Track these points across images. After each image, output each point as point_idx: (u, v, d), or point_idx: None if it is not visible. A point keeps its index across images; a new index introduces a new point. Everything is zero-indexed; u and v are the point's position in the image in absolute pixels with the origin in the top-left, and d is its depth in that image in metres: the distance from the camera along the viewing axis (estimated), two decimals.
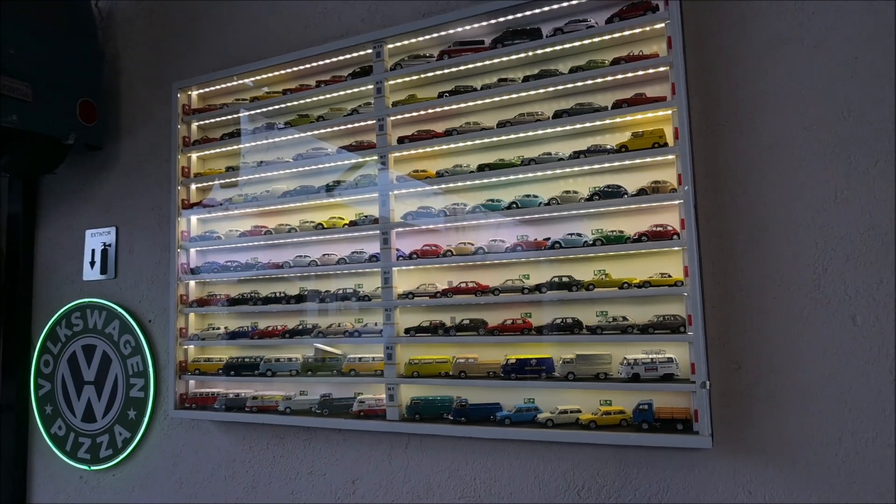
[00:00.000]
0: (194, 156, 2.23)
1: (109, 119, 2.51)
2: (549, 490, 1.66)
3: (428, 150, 1.82)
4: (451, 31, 1.81)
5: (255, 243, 2.08)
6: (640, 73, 1.58)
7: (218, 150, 2.18)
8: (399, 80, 1.86)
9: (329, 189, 1.93)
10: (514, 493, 1.70)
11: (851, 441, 1.38)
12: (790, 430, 1.43)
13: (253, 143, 2.10)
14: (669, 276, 1.51)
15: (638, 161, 1.56)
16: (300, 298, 1.97)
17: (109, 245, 2.46)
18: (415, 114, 1.84)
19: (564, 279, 1.61)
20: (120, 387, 2.35)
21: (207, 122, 2.20)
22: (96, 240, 2.50)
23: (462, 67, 1.78)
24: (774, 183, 1.48)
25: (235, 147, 2.13)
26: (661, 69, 1.55)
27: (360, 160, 1.91)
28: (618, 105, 1.59)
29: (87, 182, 2.56)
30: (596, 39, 1.62)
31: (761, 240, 1.48)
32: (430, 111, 1.82)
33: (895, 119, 1.39)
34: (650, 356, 1.52)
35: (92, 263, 2.49)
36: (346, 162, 1.94)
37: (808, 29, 1.48)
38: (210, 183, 2.17)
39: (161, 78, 2.44)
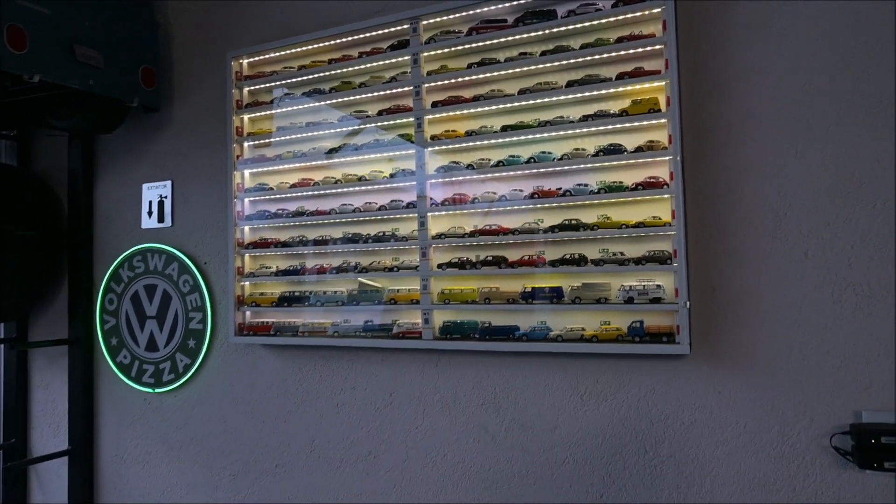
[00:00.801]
0: (246, 117, 2.53)
1: (163, 84, 2.79)
2: (556, 396, 2.03)
3: (457, 113, 2.13)
4: (478, 11, 2.10)
5: (305, 194, 2.39)
6: (640, 50, 1.88)
7: (268, 112, 2.48)
8: (433, 53, 2.16)
9: (367, 147, 2.25)
10: (528, 399, 2.07)
11: (799, 350, 1.75)
12: (752, 342, 1.79)
13: (302, 107, 2.40)
14: (660, 218, 1.85)
15: (636, 124, 1.89)
16: (346, 241, 2.30)
17: (165, 197, 2.78)
18: (446, 82, 2.15)
19: (573, 222, 1.95)
20: (180, 320, 2.70)
21: (258, 87, 2.49)
22: (153, 192, 2.81)
23: (488, 42, 2.08)
24: (747, 143, 1.81)
25: (285, 109, 2.43)
26: (657, 47, 1.86)
27: (398, 122, 2.22)
28: (620, 77, 1.91)
29: (143, 141, 2.85)
30: (603, 21, 1.93)
31: (735, 189, 1.82)
32: (459, 80, 2.13)
33: (841, 90, 1.72)
34: (642, 284, 1.87)
35: (150, 213, 2.81)
36: (385, 123, 2.25)
37: (779, 16, 1.79)
38: (263, 141, 2.48)
39: (210, 46, 2.71)
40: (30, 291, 2.94)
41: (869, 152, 1.69)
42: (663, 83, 1.85)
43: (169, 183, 2.77)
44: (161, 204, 2.78)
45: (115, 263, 2.86)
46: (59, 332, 2.98)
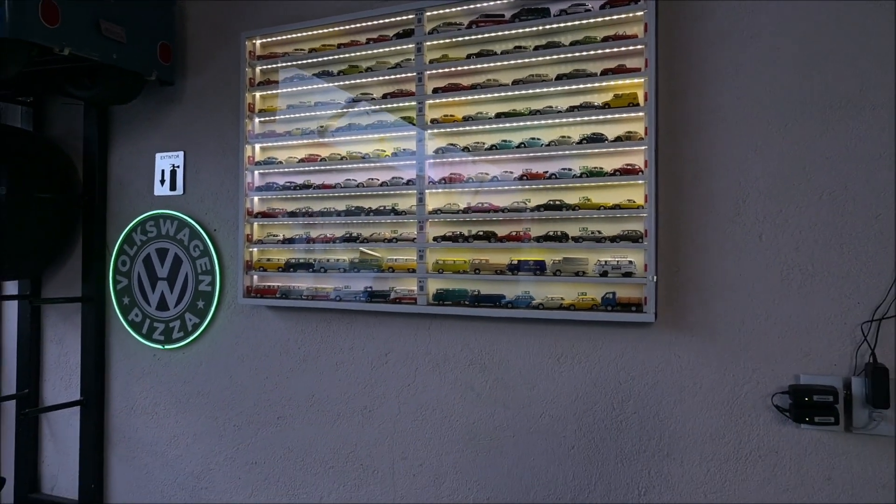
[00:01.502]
0: (258, 94, 2.71)
1: (178, 58, 2.95)
2: (536, 358, 2.27)
3: (456, 99, 2.33)
4: (478, 5, 2.29)
5: (312, 168, 2.59)
6: (623, 49, 2.09)
7: (279, 91, 2.66)
8: (435, 43, 2.35)
9: (371, 127, 2.45)
10: (510, 361, 2.30)
11: (751, 321, 1.99)
12: (710, 313, 2.03)
13: (311, 87, 2.58)
14: (634, 201, 2.08)
15: (617, 116, 2.10)
16: (349, 213, 2.50)
17: (178, 166, 2.95)
18: (447, 70, 2.35)
19: (557, 202, 2.17)
20: (190, 282, 2.89)
21: (270, 66, 2.67)
22: (166, 161, 2.99)
23: (486, 35, 2.28)
24: (713, 137, 2.04)
25: (295, 89, 2.62)
26: (639, 47, 2.06)
27: (400, 105, 2.42)
28: (604, 72, 2.12)
29: (157, 112, 3.02)
30: (591, 20, 2.13)
31: (701, 178, 2.05)
32: (459, 69, 2.33)
33: (796, 93, 1.94)
34: (616, 259, 2.10)
35: (162, 181, 2.99)
36: (388, 106, 2.45)
37: (744, 26, 2.01)
38: (272, 118, 2.66)
39: (223, 25, 2.87)
40: (45, 251, 3.11)
41: (818, 149, 1.92)
42: (642, 80, 2.06)
43: (181, 153, 2.95)
44: (173, 173, 2.96)
45: (128, 227, 3.04)
46: (72, 291, 3.16)
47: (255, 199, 2.70)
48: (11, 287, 3.39)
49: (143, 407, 3.02)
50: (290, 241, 2.62)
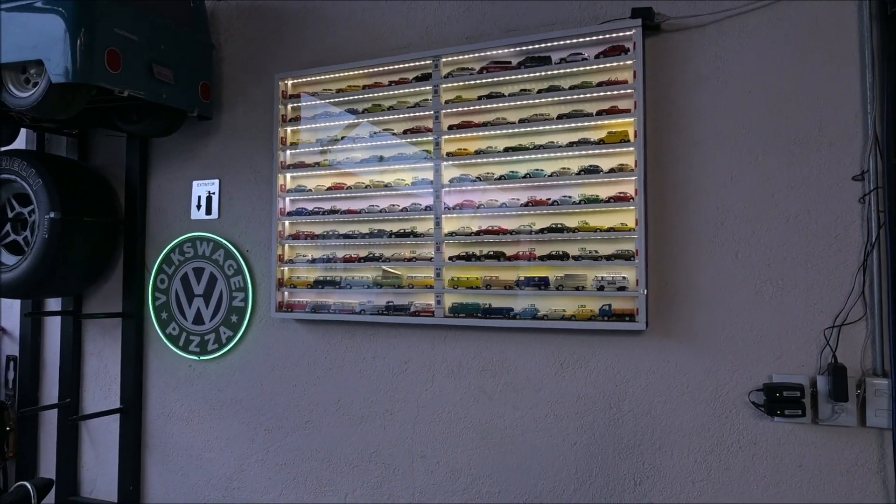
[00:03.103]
0: (289, 129, 3.02)
1: (215, 96, 3.27)
2: (541, 364, 2.54)
3: (469, 135, 2.64)
4: (488, 53, 2.61)
5: (339, 196, 2.89)
6: (615, 92, 2.41)
7: (309, 126, 2.97)
8: (450, 85, 2.67)
9: (393, 159, 2.76)
10: (518, 366, 2.58)
11: (730, 328, 2.27)
12: (694, 322, 2.32)
13: (338, 123, 2.90)
14: (626, 224, 2.37)
15: (610, 150, 2.41)
16: (372, 235, 2.79)
17: (213, 193, 3.25)
18: (460, 109, 2.66)
19: (558, 225, 2.47)
20: (224, 298, 3.17)
21: (301, 104, 2.99)
22: (202, 188, 3.29)
23: (495, 80, 2.60)
24: (694, 168, 2.34)
25: (325, 124, 2.93)
26: (629, 91, 2.38)
27: (419, 140, 2.73)
28: (600, 113, 2.43)
29: (195, 144, 3.32)
30: (587, 68, 2.45)
31: (684, 204, 2.35)
32: (471, 108, 2.64)
33: (766, 130, 2.25)
34: (611, 275, 2.39)
35: (198, 206, 3.28)
36: (408, 140, 2.76)
37: (721, 71, 2.32)
38: (304, 150, 2.97)
39: (256, 66, 3.19)
40: (89, 271, 3.40)
41: (785, 178, 2.23)
42: (632, 119, 2.37)
43: (217, 181, 3.25)
44: (209, 199, 3.26)
45: (167, 248, 3.33)
46: (112, 307, 3.44)
47: (287, 223, 2.99)
48: (53, 303, 3.66)
49: (178, 414, 3.28)
50: (318, 260, 2.91)
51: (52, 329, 3.64)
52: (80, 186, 3.31)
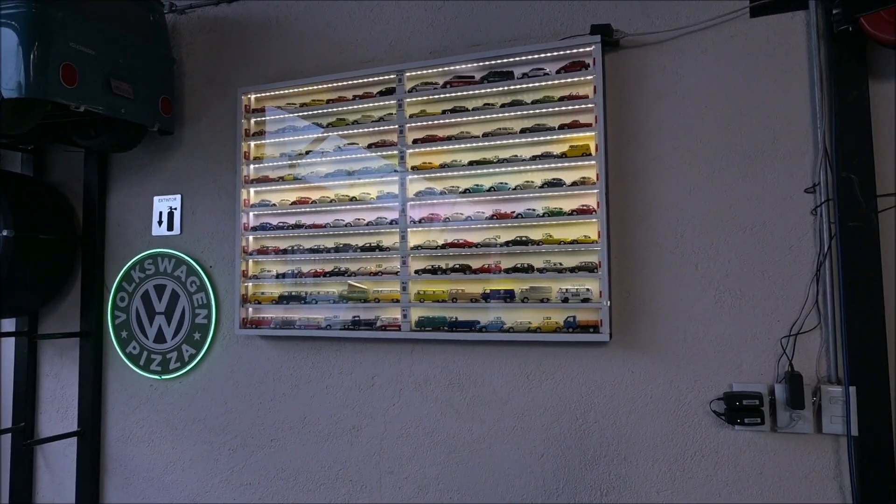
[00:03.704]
0: (253, 143, 2.99)
1: (177, 110, 3.22)
2: (508, 376, 2.55)
3: (433, 149, 2.65)
4: (452, 68, 2.63)
5: (304, 210, 2.87)
6: (577, 107, 2.45)
7: (272, 140, 2.95)
8: (414, 100, 2.68)
9: (358, 173, 2.75)
10: (485, 379, 2.58)
11: (691, 339, 2.31)
12: (656, 333, 2.35)
13: (302, 137, 2.88)
14: (589, 237, 2.41)
15: (573, 164, 2.44)
16: (337, 250, 2.78)
17: (175, 209, 3.20)
18: (425, 123, 2.67)
19: (523, 238, 2.49)
20: (187, 316, 3.11)
21: (264, 118, 2.96)
22: (163, 204, 3.23)
23: (459, 94, 2.62)
24: (654, 182, 2.39)
25: (289, 138, 2.91)
26: (590, 106, 2.42)
27: (384, 154, 2.73)
28: (562, 127, 2.47)
29: (156, 159, 3.27)
30: (549, 83, 2.49)
31: (645, 216, 2.39)
32: (435, 122, 2.66)
33: (722, 145, 2.31)
34: (575, 287, 2.41)
35: (160, 222, 3.22)
36: (372, 154, 2.75)
37: (679, 87, 2.38)
38: (269, 164, 2.94)
39: (219, 80, 3.16)
40: (45, 289, 3.30)
41: (742, 191, 2.29)
42: (594, 133, 2.41)
43: (178, 196, 3.20)
44: (171, 214, 3.20)
45: (127, 265, 3.25)
46: (69, 327, 3.35)
47: (251, 238, 2.95)
48: (7, 324, 3.54)
49: (139, 435, 3.19)
50: (283, 275, 2.88)
51: (6, 350, 3.53)
52: (36, 203, 3.23)
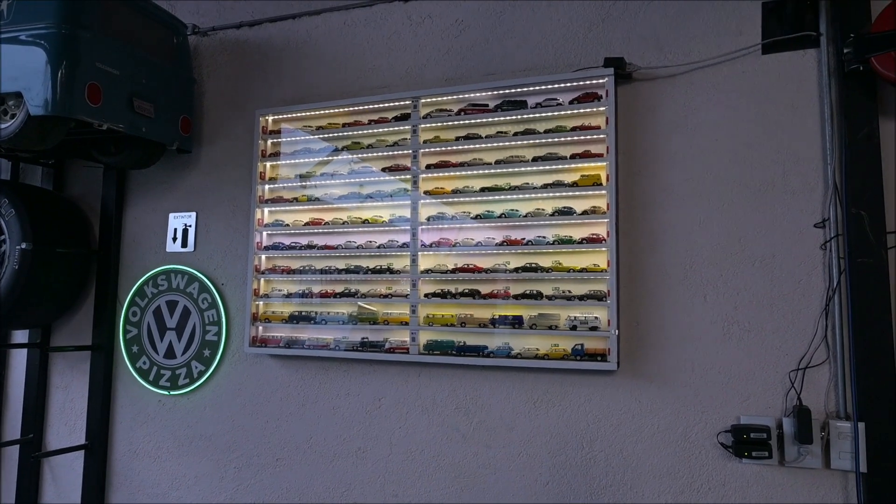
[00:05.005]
0: (269, 164, 3.04)
1: (195, 130, 3.29)
2: (515, 402, 2.55)
3: (446, 174, 2.69)
4: (467, 95, 2.68)
5: (317, 231, 2.91)
6: (589, 137, 2.48)
7: (287, 161, 3.00)
8: (428, 126, 2.73)
9: (371, 196, 2.79)
10: (492, 405, 2.59)
11: (699, 370, 2.32)
12: (664, 363, 2.36)
13: (318, 159, 2.93)
14: (598, 265, 2.42)
15: (583, 193, 2.47)
16: (348, 271, 2.81)
17: (190, 226, 3.25)
18: (438, 149, 2.71)
19: (533, 265, 2.51)
20: (197, 332, 3.14)
21: (281, 139, 3.02)
22: (178, 221, 3.28)
23: (473, 121, 2.67)
24: (665, 212, 2.41)
25: (302, 160, 2.96)
26: (602, 136, 2.46)
27: (397, 178, 2.77)
28: (573, 156, 2.50)
29: (172, 176, 3.33)
30: (562, 113, 2.53)
31: (655, 246, 2.41)
32: (449, 148, 2.70)
33: (733, 178, 2.33)
34: (584, 315, 2.43)
35: (174, 239, 3.27)
36: (386, 178, 2.80)
37: (690, 120, 2.42)
38: (283, 185, 2.99)
39: (238, 101, 3.23)
40: (60, 302, 3.34)
41: (751, 223, 2.30)
42: (605, 164, 2.44)
43: (194, 214, 3.25)
44: (185, 232, 3.25)
45: (140, 280, 3.29)
46: (81, 340, 3.38)
47: (263, 256, 2.99)
48: (20, 335, 3.58)
49: (146, 450, 3.20)
50: (294, 295, 2.91)
51: (18, 361, 3.56)
52: (54, 217, 3.28)
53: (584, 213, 2.46)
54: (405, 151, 2.76)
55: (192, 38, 3.38)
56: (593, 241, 2.43)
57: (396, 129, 2.80)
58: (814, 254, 2.22)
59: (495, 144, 2.63)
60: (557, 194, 2.52)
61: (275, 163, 3.04)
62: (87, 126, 2.67)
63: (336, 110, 2.92)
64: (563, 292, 2.46)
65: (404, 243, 2.72)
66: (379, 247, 2.77)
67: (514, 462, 2.53)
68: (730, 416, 2.26)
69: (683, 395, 2.33)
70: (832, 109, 2.21)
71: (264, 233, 3.01)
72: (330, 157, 2.91)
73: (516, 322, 2.50)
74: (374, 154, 2.83)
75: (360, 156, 2.86)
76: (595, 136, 2.47)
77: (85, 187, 3.54)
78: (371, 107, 2.86)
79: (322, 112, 2.95)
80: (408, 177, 2.74)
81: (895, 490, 2.02)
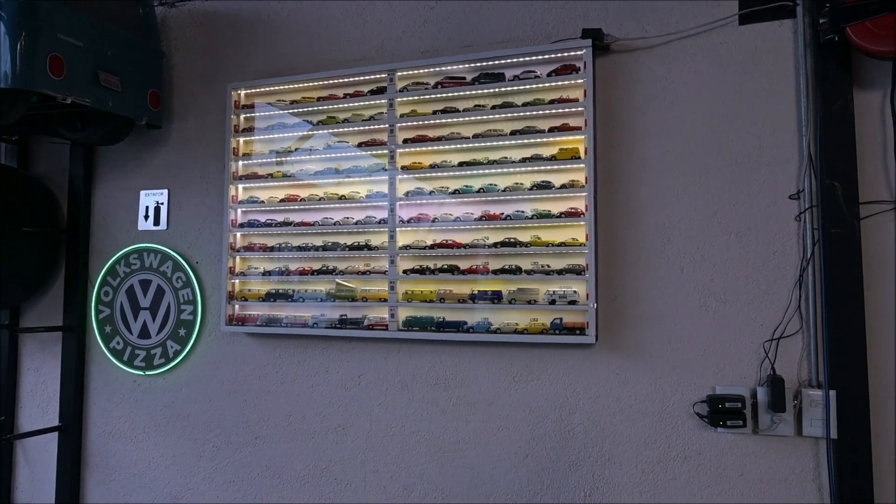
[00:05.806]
0: (242, 139, 2.97)
1: (165, 104, 3.20)
2: (494, 377, 2.56)
3: (423, 149, 2.66)
4: (443, 68, 2.64)
5: (292, 207, 2.86)
6: (567, 110, 2.46)
7: (262, 137, 2.94)
8: (405, 99, 2.68)
9: (348, 171, 2.75)
10: (471, 380, 2.59)
11: (676, 341, 2.34)
12: (642, 335, 2.37)
13: (292, 134, 2.87)
14: (577, 239, 2.42)
15: (562, 166, 2.46)
16: (326, 248, 2.77)
17: (162, 203, 3.17)
18: (415, 123, 2.67)
19: (512, 240, 2.50)
20: (172, 311, 3.09)
21: (254, 114, 2.95)
22: (150, 198, 3.20)
23: (450, 95, 2.62)
24: (642, 185, 2.41)
25: (276, 136, 2.90)
26: (579, 109, 2.44)
27: (374, 153, 2.73)
28: (552, 129, 2.48)
29: (143, 153, 3.24)
30: (540, 86, 2.50)
31: (633, 219, 2.41)
32: (426, 123, 2.66)
33: (709, 150, 2.34)
34: (563, 289, 2.43)
35: (146, 217, 3.20)
36: (362, 153, 2.75)
37: (668, 92, 2.40)
38: (257, 161, 2.93)
39: (209, 75, 3.14)
40: (27, 282, 3.26)
41: (728, 196, 2.31)
42: (583, 137, 2.42)
43: (165, 191, 3.17)
44: (157, 209, 3.18)
45: (112, 259, 3.22)
46: (52, 321, 3.30)
47: (238, 234, 2.94)
48: None
49: (121, 431, 3.16)
50: (271, 273, 2.87)
51: None
52: (19, 195, 3.19)
53: (563, 186, 2.44)
54: (382, 126, 2.71)
55: (160, 9, 3.27)
56: (572, 215, 2.42)
57: (372, 102, 2.75)
58: (789, 225, 2.24)
59: (473, 118, 2.60)
60: (536, 168, 2.50)
61: (248, 138, 2.98)
62: (50, 100, 2.58)
63: (310, 84, 2.86)
64: (542, 267, 2.46)
65: (382, 219, 2.69)
66: (356, 223, 2.74)
67: (493, 436, 2.55)
68: (705, 387, 2.29)
69: (660, 367, 2.35)
70: (808, 80, 2.22)
71: (239, 210, 2.96)
72: (305, 133, 2.85)
73: (495, 297, 2.49)
74: (350, 129, 2.78)
75: (335, 130, 2.81)
76: (573, 109, 2.45)
77: (51, 165, 3.44)
78: (346, 80, 2.80)
79: (296, 86, 2.88)
80: (384, 152, 2.70)
81: (864, 456, 2.07)
